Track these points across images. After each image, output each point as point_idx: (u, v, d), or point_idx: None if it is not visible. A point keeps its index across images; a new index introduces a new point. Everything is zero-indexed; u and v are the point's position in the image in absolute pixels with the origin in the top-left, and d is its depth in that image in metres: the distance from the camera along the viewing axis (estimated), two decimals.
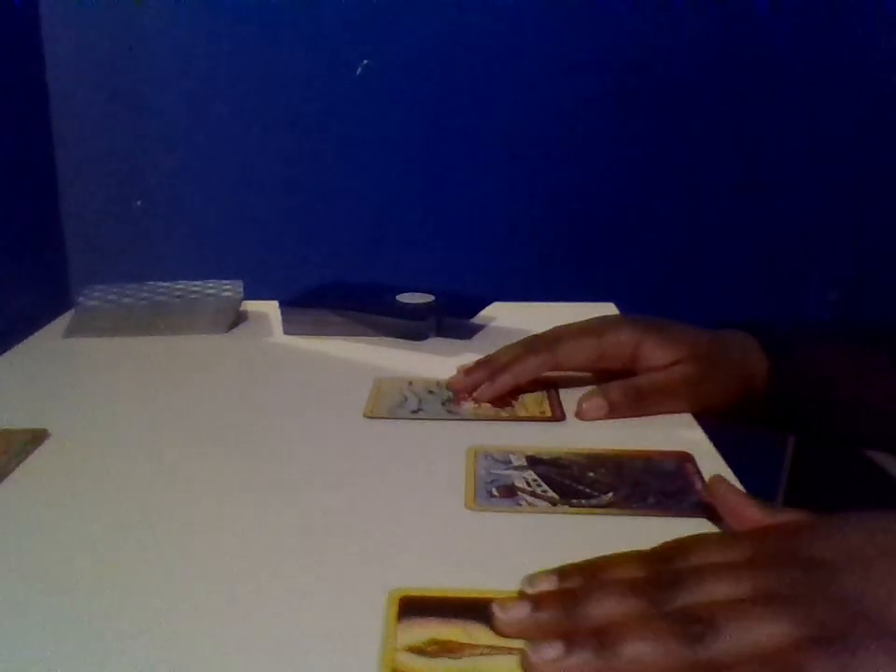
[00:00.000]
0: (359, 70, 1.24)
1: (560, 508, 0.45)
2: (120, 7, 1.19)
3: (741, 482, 0.46)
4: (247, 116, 1.25)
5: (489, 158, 1.30)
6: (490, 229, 1.31)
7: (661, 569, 0.35)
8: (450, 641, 0.33)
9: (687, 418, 0.58)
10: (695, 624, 0.31)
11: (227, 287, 0.83)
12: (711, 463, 0.50)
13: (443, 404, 0.60)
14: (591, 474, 0.49)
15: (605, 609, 0.33)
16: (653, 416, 0.58)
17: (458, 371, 0.63)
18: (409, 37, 1.24)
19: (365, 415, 0.58)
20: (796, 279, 1.36)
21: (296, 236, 1.30)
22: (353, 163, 1.28)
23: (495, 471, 0.49)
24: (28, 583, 0.39)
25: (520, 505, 0.45)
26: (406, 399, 0.61)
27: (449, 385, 0.63)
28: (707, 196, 1.33)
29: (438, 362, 0.69)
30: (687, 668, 0.30)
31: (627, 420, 0.57)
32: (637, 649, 0.31)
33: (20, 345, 0.75)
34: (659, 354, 0.59)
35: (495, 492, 0.47)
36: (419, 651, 0.33)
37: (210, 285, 0.84)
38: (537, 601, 0.34)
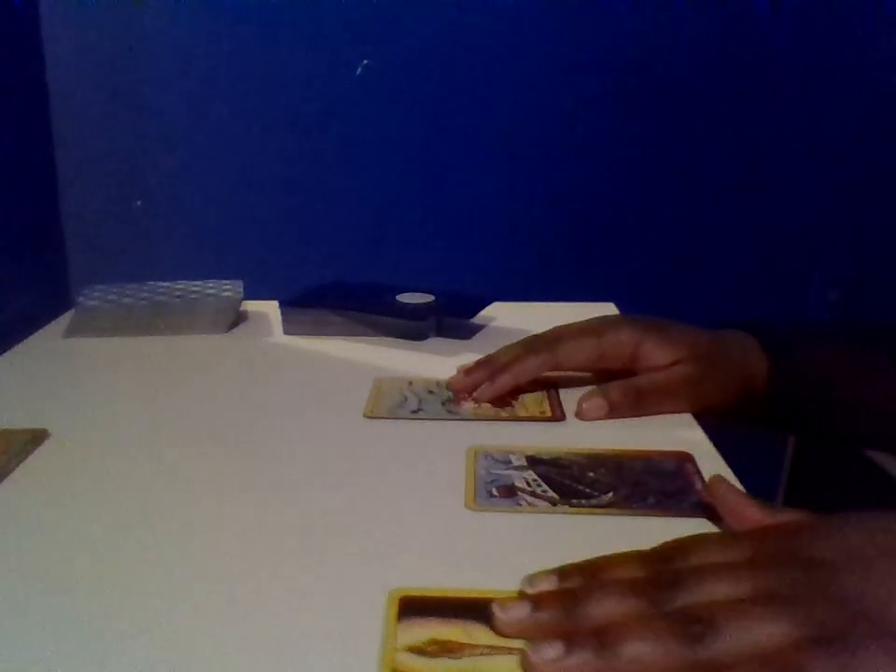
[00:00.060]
0: (359, 70, 1.24)
1: (560, 508, 0.45)
2: (120, 7, 1.19)
3: (741, 482, 0.46)
4: (247, 116, 1.25)
5: (489, 158, 1.30)
6: (490, 229, 1.31)
7: (661, 569, 0.35)
8: (450, 641, 0.33)
9: (687, 418, 0.58)
10: (695, 624, 0.31)
11: (227, 286, 0.83)
12: (711, 463, 0.50)
13: (443, 404, 0.60)
14: (591, 474, 0.49)
15: (605, 609, 0.33)
16: (653, 416, 0.58)
17: (458, 371, 0.63)
18: (409, 37, 1.24)
19: (365, 415, 0.58)
20: (796, 279, 1.36)
21: (296, 236, 1.30)
22: (353, 163, 1.28)
23: (495, 471, 0.49)
24: (28, 583, 0.39)
25: (520, 505, 0.45)
26: (406, 399, 0.61)
27: (449, 384, 0.63)
28: (707, 196, 1.33)
29: (438, 362, 0.69)
30: (687, 668, 0.30)
31: (627, 420, 0.57)
32: (636, 649, 0.31)
33: (20, 345, 0.75)
34: (659, 354, 0.59)
35: (495, 492, 0.47)
36: (419, 650, 0.33)
37: (210, 285, 0.84)
38: (537, 601, 0.34)
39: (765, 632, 0.30)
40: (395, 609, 0.36)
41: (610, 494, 0.46)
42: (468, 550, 0.41)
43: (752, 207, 1.33)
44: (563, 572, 0.36)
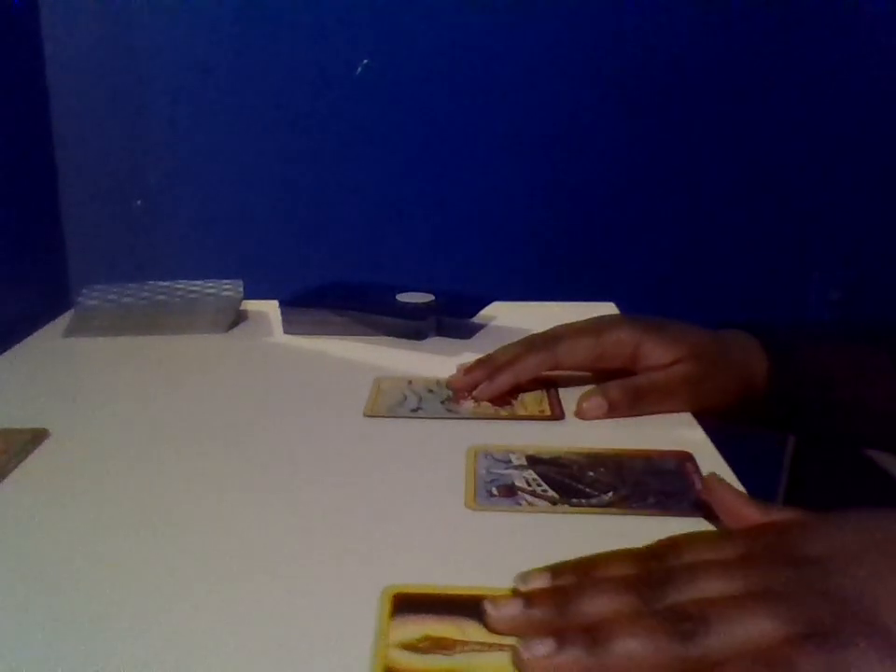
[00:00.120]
0: (359, 70, 1.24)
1: (560, 507, 0.45)
2: (121, 7, 1.19)
3: (741, 482, 0.46)
4: (247, 116, 1.25)
5: (489, 158, 1.30)
6: (490, 229, 1.31)
7: (653, 567, 0.35)
8: (443, 638, 0.33)
9: (687, 418, 0.58)
10: (686, 622, 0.31)
11: (227, 286, 0.83)
12: (711, 463, 0.50)
13: (443, 403, 0.60)
14: (591, 474, 0.49)
15: (597, 606, 0.33)
16: (653, 416, 0.58)
17: (458, 370, 0.63)
18: (409, 37, 1.24)
19: (365, 414, 0.58)
20: (796, 279, 1.36)
21: (296, 236, 1.29)
22: (353, 163, 1.28)
23: (495, 471, 0.49)
24: (28, 583, 0.39)
25: (520, 505, 0.45)
26: (406, 398, 0.61)
27: (448, 383, 0.63)
28: (708, 196, 1.33)
29: (438, 362, 0.69)
30: (678, 665, 0.30)
31: (627, 419, 0.57)
32: (628, 646, 0.31)
33: (20, 345, 0.75)
34: (659, 353, 0.59)
35: (495, 491, 0.47)
36: (412, 647, 0.33)
37: (210, 285, 0.84)
38: (529, 598, 0.35)
39: (757, 629, 0.30)
40: (388, 605, 0.36)
41: (610, 493, 0.46)
42: (467, 549, 0.41)
43: (752, 207, 1.33)
44: (555, 570, 0.36)
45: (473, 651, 0.33)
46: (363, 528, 0.43)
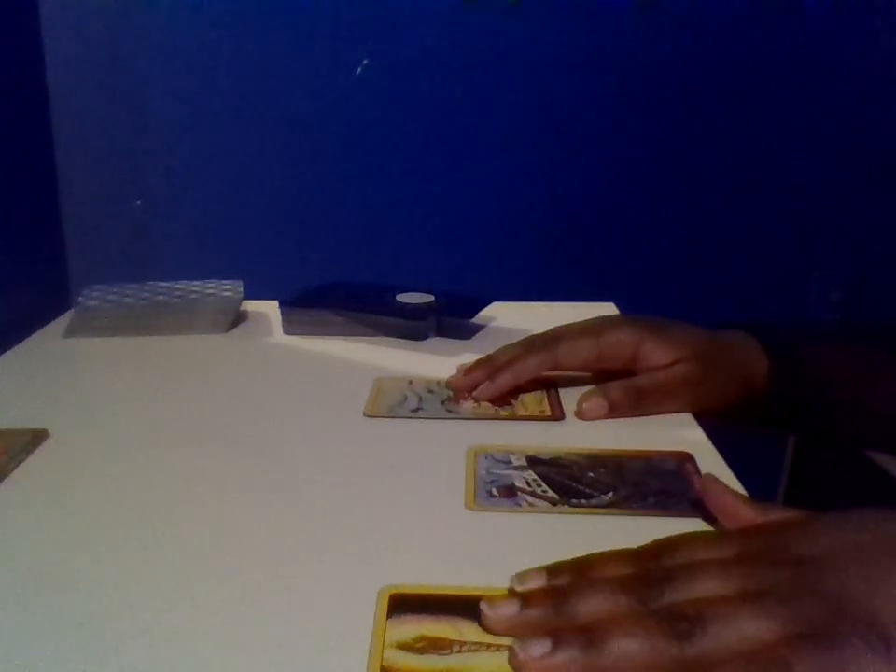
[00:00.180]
0: (359, 70, 1.24)
1: (560, 508, 0.45)
2: (120, 7, 1.19)
3: (741, 482, 0.46)
4: (247, 116, 1.26)
5: (489, 158, 1.30)
6: (490, 229, 1.31)
7: (649, 567, 0.35)
8: (439, 638, 0.34)
9: (687, 418, 0.58)
10: (683, 622, 0.31)
11: (227, 287, 0.83)
12: (711, 463, 0.50)
13: (443, 403, 0.60)
14: (591, 474, 0.49)
15: (593, 606, 0.33)
16: (653, 416, 0.57)
17: (458, 371, 0.63)
18: (409, 37, 1.24)
19: (365, 414, 0.58)
20: (796, 279, 1.36)
21: (296, 236, 1.30)
22: (353, 163, 1.28)
23: (495, 471, 0.49)
24: (28, 583, 0.39)
25: (520, 505, 0.45)
26: (406, 399, 0.61)
27: (449, 383, 0.63)
28: (708, 196, 1.33)
29: (438, 362, 0.69)
30: (674, 665, 0.30)
31: (627, 420, 0.57)
32: (624, 646, 0.31)
33: (20, 345, 0.75)
34: (659, 353, 0.59)
35: (495, 492, 0.47)
36: (408, 647, 0.33)
37: (210, 285, 0.84)
38: (525, 599, 0.35)
39: (752, 629, 0.30)
40: (385, 605, 0.36)
41: (610, 494, 0.46)
42: (467, 549, 0.41)
43: (752, 207, 1.33)
44: (552, 570, 0.36)
45: (469, 651, 0.33)
46: (363, 528, 0.43)
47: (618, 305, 0.83)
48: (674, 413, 0.58)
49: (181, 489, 0.48)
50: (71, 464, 0.52)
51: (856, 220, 1.34)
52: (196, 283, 0.85)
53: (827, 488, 1.29)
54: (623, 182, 1.32)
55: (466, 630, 0.34)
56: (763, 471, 1.38)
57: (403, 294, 0.79)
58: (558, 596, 0.34)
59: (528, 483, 0.48)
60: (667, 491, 0.47)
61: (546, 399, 0.61)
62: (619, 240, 1.33)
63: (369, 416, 0.58)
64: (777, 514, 0.39)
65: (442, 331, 0.76)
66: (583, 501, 0.46)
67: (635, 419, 0.57)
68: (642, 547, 0.37)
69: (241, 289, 0.83)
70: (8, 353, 0.73)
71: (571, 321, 0.62)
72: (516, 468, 0.50)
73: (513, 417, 0.58)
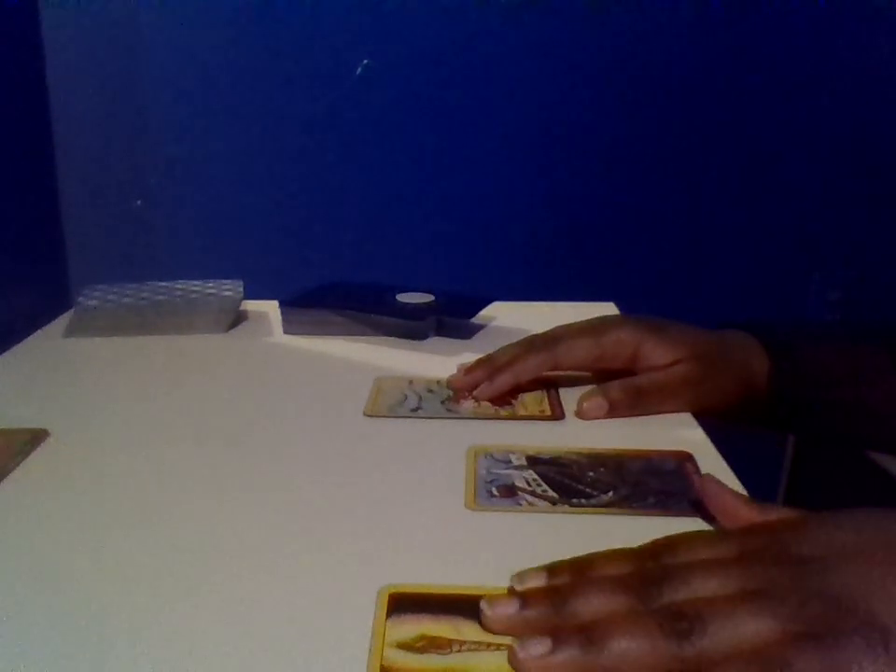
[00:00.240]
0: (359, 70, 1.24)
1: (560, 508, 0.45)
2: (121, 7, 1.19)
3: (741, 482, 0.46)
4: (247, 116, 1.26)
5: (489, 158, 1.30)
6: (490, 229, 1.31)
7: (649, 566, 0.35)
8: (438, 637, 0.34)
9: (687, 418, 0.58)
10: (682, 621, 0.31)
11: (227, 287, 0.83)
12: (711, 463, 0.50)
13: (443, 403, 0.60)
14: (591, 474, 0.49)
15: (593, 605, 0.33)
16: (653, 416, 0.57)
17: (458, 370, 0.63)
18: (409, 37, 1.24)
19: (365, 414, 0.58)
20: (796, 279, 1.36)
21: (296, 236, 1.30)
22: (353, 163, 1.28)
23: (495, 471, 0.49)
24: (28, 583, 0.39)
25: (520, 505, 0.45)
26: (406, 398, 0.61)
27: (449, 383, 0.63)
28: (708, 196, 1.33)
29: (438, 362, 0.69)
30: (674, 664, 0.30)
31: (627, 420, 0.57)
32: (623, 645, 0.31)
33: (20, 345, 0.75)
34: (659, 353, 0.59)
35: (495, 492, 0.47)
36: (408, 647, 0.33)
37: (210, 285, 0.84)
38: (525, 598, 0.35)
39: (752, 628, 0.30)
40: (385, 605, 0.36)
41: (610, 493, 0.46)
42: (467, 549, 0.41)
43: (752, 207, 1.33)
44: (551, 569, 0.37)
45: (469, 650, 0.33)
46: (363, 528, 0.43)
47: (618, 305, 0.83)
48: (674, 412, 0.58)
49: (181, 489, 0.48)
50: (71, 464, 0.52)
51: (856, 220, 1.34)
52: (196, 283, 0.85)
53: (827, 488, 1.29)
54: (622, 182, 1.32)
55: (465, 630, 0.34)
56: (763, 471, 1.38)
57: (403, 294, 0.79)
58: (558, 596, 0.34)
59: (528, 483, 0.48)
60: (667, 491, 0.47)
61: (546, 399, 0.61)
62: (619, 240, 1.33)
63: (369, 416, 0.58)
64: (776, 514, 0.39)
65: (442, 331, 0.76)
66: (583, 501, 0.46)
67: (635, 419, 0.57)
68: (642, 546, 0.37)
69: (241, 289, 0.83)
70: (8, 353, 0.73)
71: (571, 321, 0.62)
72: (516, 467, 0.50)
73: (513, 417, 0.58)
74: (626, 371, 0.59)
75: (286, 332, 0.78)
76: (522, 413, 0.58)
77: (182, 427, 0.57)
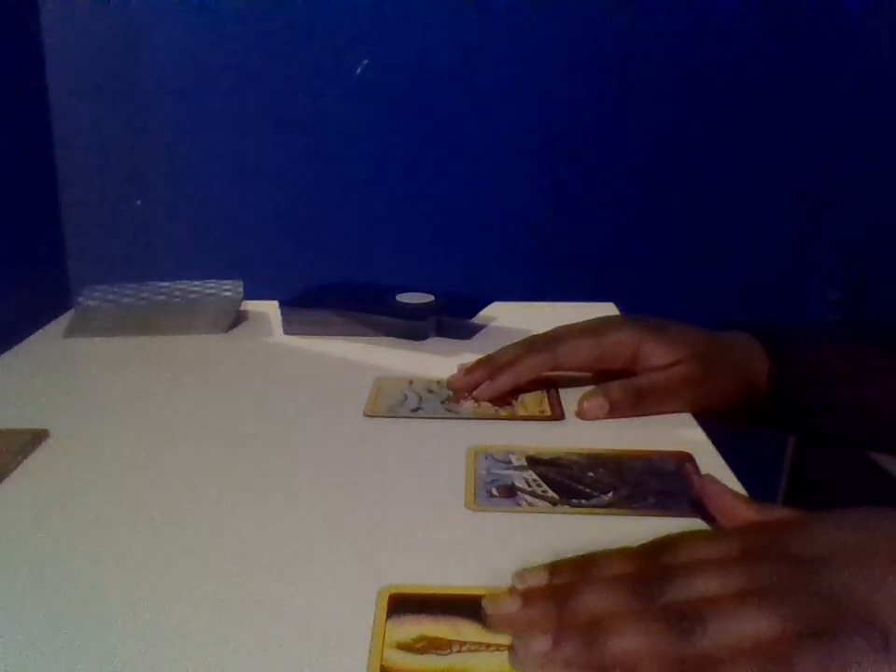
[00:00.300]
0: (359, 70, 1.24)
1: (560, 508, 0.45)
2: (121, 7, 1.19)
3: (741, 482, 0.46)
4: (247, 116, 1.25)
5: (489, 158, 1.30)
6: (490, 229, 1.31)
7: (650, 565, 0.35)
8: (438, 638, 0.34)
9: (687, 418, 0.58)
10: (683, 620, 0.31)
11: (227, 287, 0.83)
12: (711, 463, 0.50)
13: (443, 403, 0.60)
14: (591, 474, 0.49)
15: (594, 603, 0.33)
16: (653, 416, 0.58)
17: (459, 370, 0.63)
18: (409, 37, 1.24)
19: (365, 414, 0.58)
20: (796, 279, 1.36)
21: (296, 236, 1.29)
22: (353, 163, 1.28)
23: (495, 471, 0.49)
24: (28, 583, 0.39)
25: (520, 505, 0.45)
26: (406, 398, 0.61)
27: (449, 383, 0.63)
28: (708, 196, 1.33)
29: (438, 362, 0.69)
30: (675, 663, 0.30)
31: (627, 420, 0.57)
32: (624, 643, 0.31)
33: (20, 345, 0.75)
34: (659, 354, 0.59)
35: (495, 492, 0.47)
36: (408, 647, 0.33)
37: (210, 285, 0.84)
38: (527, 596, 0.35)
39: (753, 627, 0.30)
40: (385, 605, 0.36)
41: (610, 494, 0.46)
42: (467, 549, 0.41)
43: (752, 207, 1.33)
44: (553, 568, 0.37)
45: (469, 651, 0.33)
46: (363, 528, 0.43)
47: (618, 305, 0.83)
48: (674, 412, 0.58)
49: (181, 489, 0.48)
50: (71, 464, 0.52)
51: (856, 220, 1.34)
52: (196, 283, 0.85)
53: (827, 488, 1.29)
54: (622, 182, 1.32)
55: (465, 630, 0.34)
56: (763, 471, 1.38)
57: (403, 294, 0.79)
58: (559, 594, 0.34)
59: (528, 483, 0.48)
60: (667, 491, 0.47)
61: (546, 399, 0.61)
62: (619, 240, 1.33)
63: (369, 416, 0.58)
64: (776, 514, 0.39)
65: (442, 331, 0.76)
66: (583, 501, 0.46)
67: (635, 419, 0.57)
68: (643, 545, 0.37)
69: (241, 289, 0.83)
70: (8, 353, 0.73)
71: (571, 321, 0.62)
72: (516, 468, 0.50)
73: (513, 417, 0.58)
74: (626, 372, 0.59)
75: (286, 332, 0.78)
76: (522, 413, 0.58)
77: (182, 427, 0.57)
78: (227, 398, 0.63)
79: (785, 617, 0.30)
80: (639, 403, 0.57)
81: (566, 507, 0.45)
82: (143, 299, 0.80)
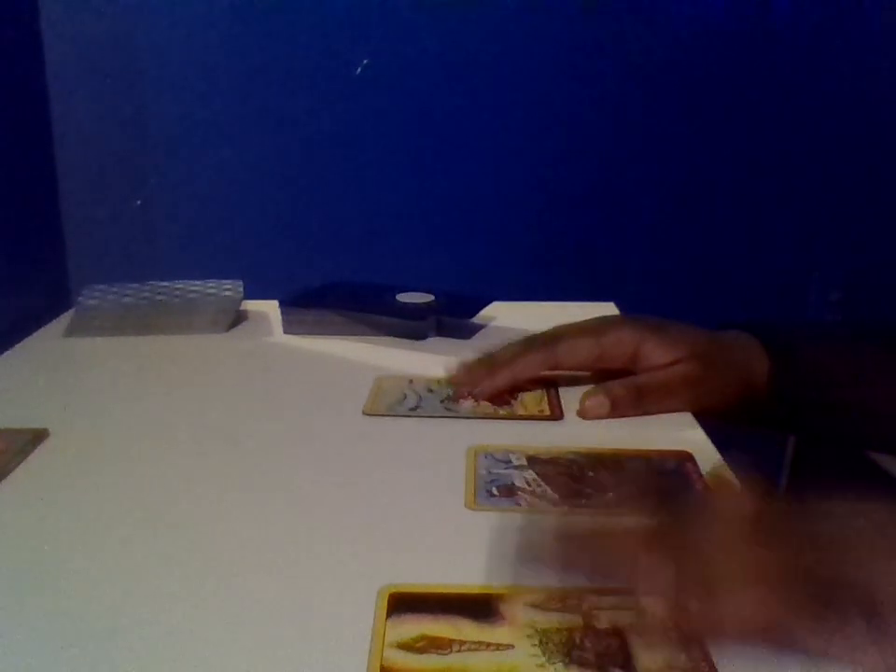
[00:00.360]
0: (359, 70, 1.24)
1: (560, 508, 0.45)
2: (121, 7, 1.19)
3: (741, 482, 0.46)
4: (247, 115, 1.25)
5: (489, 158, 1.30)
6: (490, 229, 1.31)
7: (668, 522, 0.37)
8: (438, 637, 0.34)
9: (687, 418, 0.57)
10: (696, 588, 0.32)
11: (227, 287, 0.83)
12: (711, 463, 0.50)
13: (442, 402, 0.60)
14: (591, 474, 0.49)
15: None
16: (653, 416, 0.57)
17: (459, 366, 0.63)
18: (409, 37, 1.24)
19: (364, 412, 0.58)
20: (796, 279, 1.36)
21: (296, 236, 1.29)
22: (353, 163, 1.28)
23: (495, 471, 0.49)
24: (28, 583, 0.39)
25: (520, 505, 0.45)
26: (406, 397, 0.61)
27: (449, 379, 0.63)
28: (708, 196, 1.33)
29: (438, 362, 0.69)
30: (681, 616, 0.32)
31: (627, 420, 0.57)
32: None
33: (20, 345, 0.75)
34: (659, 353, 0.59)
35: (495, 491, 0.47)
36: (408, 647, 0.33)
37: (210, 285, 0.84)
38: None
39: (756, 608, 0.32)
40: (385, 605, 0.36)
41: (610, 493, 0.46)
42: (468, 549, 0.41)
43: (752, 208, 1.33)
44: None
45: (469, 650, 0.33)
46: (363, 528, 0.43)
47: (618, 305, 0.83)
48: (674, 412, 0.58)
49: (181, 489, 0.48)
50: (71, 464, 0.52)
51: (856, 220, 1.33)
52: (196, 283, 0.85)
53: (827, 488, 1.29)
54: (622, 182, 1.32)
55: (465, 629, 0.34)
56: (763, 471, 1.37)
57: (403, 294, 0.79)
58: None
59: (528, 483, 0.48)
60: (668, 491, 0.47)
61: (546, 399, 0.61)
62: (619, 240, 1.33)
63: (368, 415, 0.58)
64: (773, 501, 0.39)
65: (442, 331, 0.76)
66: (583, 501, 0.46)
67: (635, 419, 0.57)
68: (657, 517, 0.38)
69: (241, 289, 0.83)
70: (8, 353, 0.73)
71: (571, 321, 0.62)
72: (516, 467, 0.50)
73: (512, 417, 0.58)
74: (626, 372, 0.59)
75: (286, 332, 0.78)
76: (521, 412, 0.58)
77: (182, 427, 0.57)
78: (227, 398, 0.63)
79: (784, 599, 0.32)
80: (640, 402, 0.57)
81: (565, 507, 0.45)
82: (143, 298, 0.80)
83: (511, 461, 0.50)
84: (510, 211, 1.31)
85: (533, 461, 0.50)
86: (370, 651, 0.33)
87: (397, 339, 0.75)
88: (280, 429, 0.57)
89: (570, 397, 0.60)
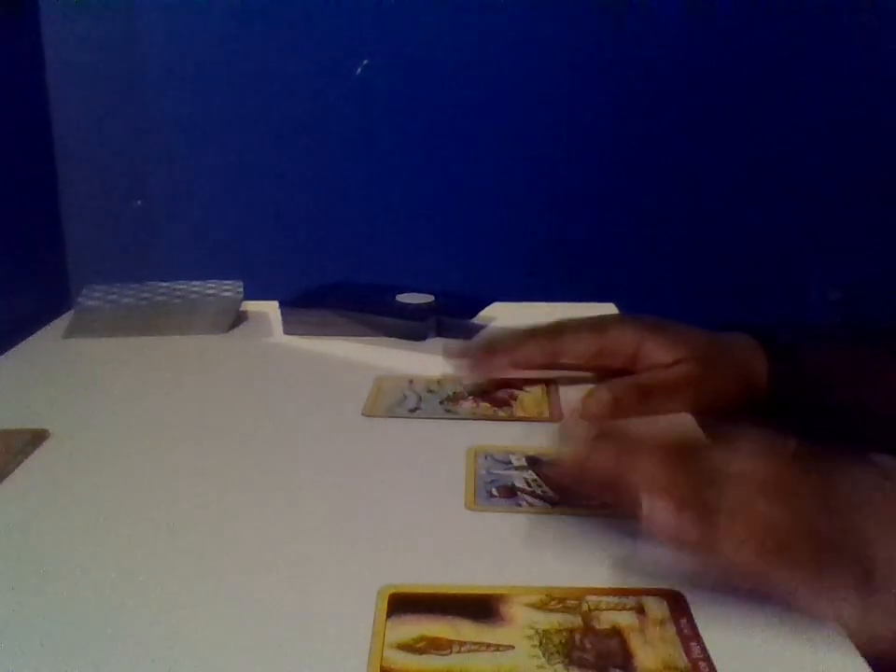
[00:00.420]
0: (359, 70, 1.24)
1: (560, 508, 0.45)
2: (121, 8, 1.19)
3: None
4: (247, 116, 1.26)
5: (489, 158, 1.30)
6: (490, 229, 1.31)
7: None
8: (438, 638, 0.34)
9: (687, 418, 0.57)
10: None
11: (227, 287, 0.83)
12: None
13: (442, 403, 0.60)
14: None
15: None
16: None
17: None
18: (409, 37, 1.24)
19: (364, 413, 0.58)
20: (796, 279, 1.36)
21: (296, 236, 1.30)
22: (353, 163, 1.28)
23: (495, 471, 0.49)
24: (28, 583, 0.39)
25: (520, 505, 0.45)
26: (405, 398, 0.61)
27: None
28: (708, 196, 1.33)
29: (438, 362, 0.69)
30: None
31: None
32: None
33: (20, 345, 0.75)
34: (660, 353, 0.59)
35: (495, 492, 0.47)
36: (408, 647, 0.33)
37: (210, 285, 0.84)
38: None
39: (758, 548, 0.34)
40: (385, 605, 0.36)
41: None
42: (468, 550, 0.41)
43: (752, 207, 1.33)
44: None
45: (469, 651, 0.33)
46: (363, 528, 0.43)
47: (618, 305, 0.83)
48: (675, 412, 0.58)
49: (181, 489, 0.48)
50: (71, 464, 0.52)
51: (856, 221, 1.33)
52: (196, 283, 0.85)
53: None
54: (622, 182, 1.32)
55: (465, 630, 0.34)
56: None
57: (403, 294, 0.79)
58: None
59: (528, 484, 0.48)
60: None
61: (545, 400, 0.61)
62: (619, 240, 1.33)
63: (367, 416, 0.58)
64: (795, 459, 0.41)
65: (442, 331, 0.76)
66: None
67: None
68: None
69: (241, 289, 0.83)
70: (8, 353, 0.73)
71: None
72: (516, 468, 0.50)
73: (512, 418, 0.58)
74: (625, 371, 0.59)
75: (286, 332, 0.78)
76: (521, 413, 0.58)
77: (182, 427, 0.57)
78: (227, 398, 0.63)
79: (787, 553, 0.34)
80: (641, 402, 0.57)
81: (565, 507, 0.45)
82: (143, 299, 0.80)
83: (510, 462, 0.50)
84: (510, 211, 1.31)
85: (533, 461, 0.50)
86: (369, 651, 0.33)
87: (397, 339, 0.75)
88: (280, 430, 0.57)
89: (571, 397, 0.60)
